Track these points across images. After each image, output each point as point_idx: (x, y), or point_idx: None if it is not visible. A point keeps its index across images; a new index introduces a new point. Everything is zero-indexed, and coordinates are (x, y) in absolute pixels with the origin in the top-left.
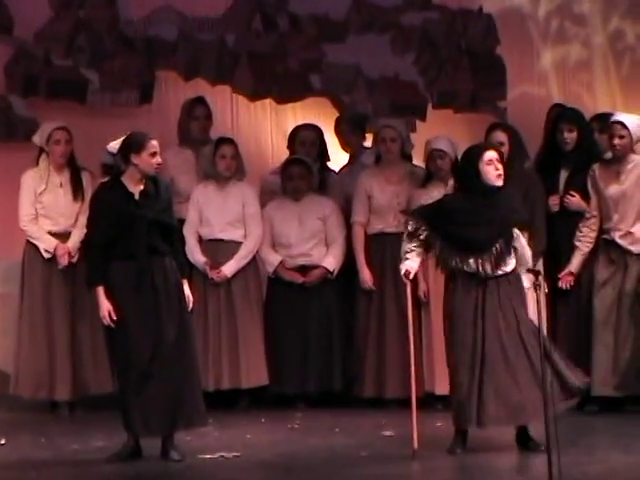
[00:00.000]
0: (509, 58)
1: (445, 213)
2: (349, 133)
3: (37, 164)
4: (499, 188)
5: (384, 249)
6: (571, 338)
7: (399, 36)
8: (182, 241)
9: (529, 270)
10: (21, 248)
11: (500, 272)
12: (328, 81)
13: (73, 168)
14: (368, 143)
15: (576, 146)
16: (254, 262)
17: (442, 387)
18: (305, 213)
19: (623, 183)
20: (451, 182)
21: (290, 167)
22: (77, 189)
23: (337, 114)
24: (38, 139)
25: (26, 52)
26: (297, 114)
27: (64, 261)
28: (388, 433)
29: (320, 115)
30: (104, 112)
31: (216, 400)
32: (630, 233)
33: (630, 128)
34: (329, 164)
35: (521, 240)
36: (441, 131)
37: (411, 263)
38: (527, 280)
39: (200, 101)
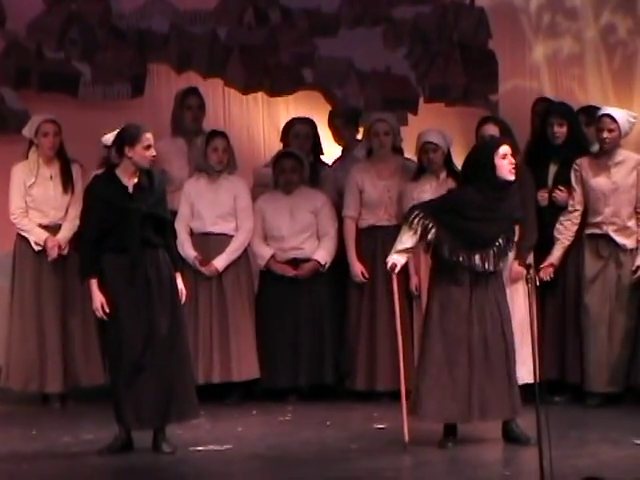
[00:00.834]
0: (501, 52)
1: (455, 208)
2: (342, 127)
3: (26, 157)
4: (510, 183)
5: (375, 243)
6: (559, 332)
7: (391, 30)
8: (175, 234)
9: (521, 264)
10: (11, 241)
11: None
12: (320, 74)
13: (63, 160)
14: (360, 136)
15: (566, 140)
16: (246, 256)
17: None
18: (297, 206)
19: (614, 176)
20: (443, 175)
21: (282, 160)
22: (67, 181)
23: (329, 107)
24: (27, 131)
25: (18, 45)
26: (289, 107)
27: (54, 253)
28: (379, 426)
29: (312, 108)
30: (96, 105)
31: (208, 393)
32: (627, 227)
33: (619, 122)
34: (322, 158)
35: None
36: (433, 125)
37: (399, 257)
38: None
39: (193, 91)
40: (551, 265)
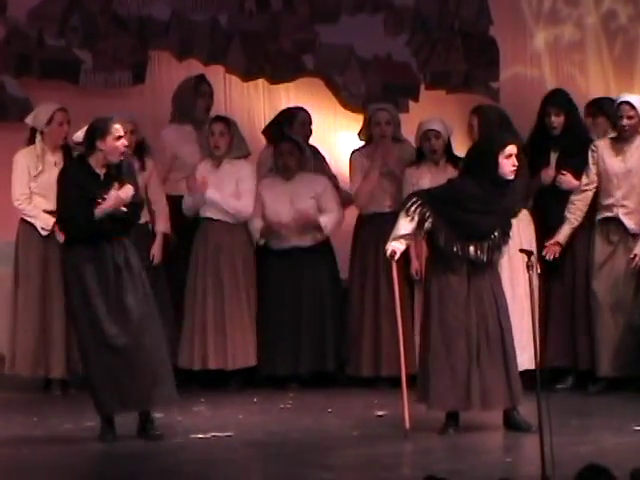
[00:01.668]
0: (502, 39)
1: (455, 199)
2: None
3: (28, 144)
4: (508, 182)
5: (378, 230)
6: (568, 318)
7: (392, 16)
8: (139, 217)
9: (522, 250)
10: (11, 228)
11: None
12: (321, 61)
13: (66, 147)
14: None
15: (564, 130)
16: (245, 244)
17: None
18: (297, 193)
19: (629, 160)
20: (442, 162)
21: (280, 144)
22: None
23: (330, 94)
24: (35, 120)
25: (19, 32)
26: (290, 95)
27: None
28: (380, 413)
29: (313, 95)
30: (97, 92)
31: (208, 380)
32: (637, 211)
33: (638, 109)
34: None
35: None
36: (433, 112)
37: (398, 244)
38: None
39: (204, 79)
40: (557, 244)
